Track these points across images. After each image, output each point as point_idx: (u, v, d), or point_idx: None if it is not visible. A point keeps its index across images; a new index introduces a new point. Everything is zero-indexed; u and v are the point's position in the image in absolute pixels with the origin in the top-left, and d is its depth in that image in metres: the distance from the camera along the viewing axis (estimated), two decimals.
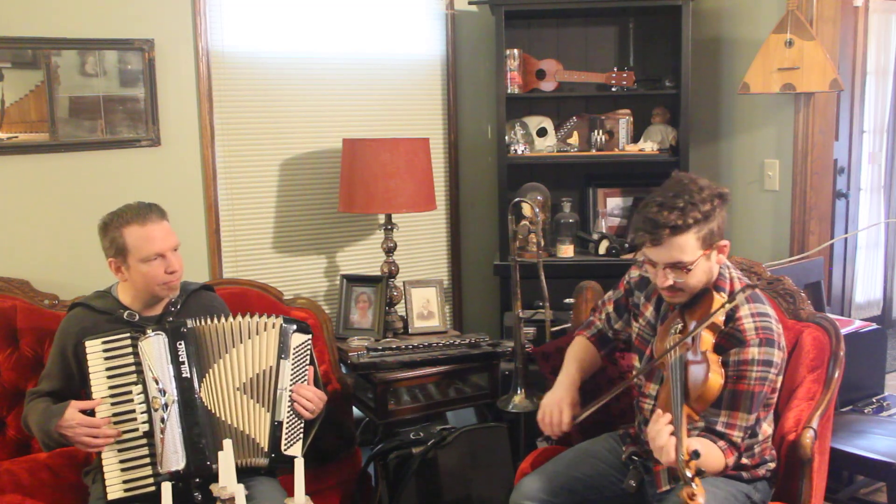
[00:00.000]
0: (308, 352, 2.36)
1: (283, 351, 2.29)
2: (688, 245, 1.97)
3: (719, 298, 2.02)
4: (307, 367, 2.36)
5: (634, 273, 2.33)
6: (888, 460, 2.63)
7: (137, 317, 2.33)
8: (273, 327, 2.30)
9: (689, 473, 1.72)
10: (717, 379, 1.93)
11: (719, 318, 1.99)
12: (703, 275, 2.04)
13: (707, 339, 1.99)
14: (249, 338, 2.28)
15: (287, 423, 2.27)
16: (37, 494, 2.42)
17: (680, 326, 2.07)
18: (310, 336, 2.37)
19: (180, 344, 2.21)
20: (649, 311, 2.24)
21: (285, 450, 2.25)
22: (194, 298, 2.46)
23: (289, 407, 2.28)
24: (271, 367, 2.28)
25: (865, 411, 3.03)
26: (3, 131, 2.88)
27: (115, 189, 3.04)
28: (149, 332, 2.20)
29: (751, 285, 2.03)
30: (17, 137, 2.90)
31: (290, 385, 2.29)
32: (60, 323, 2.37)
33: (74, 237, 2.98)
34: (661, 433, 1.81)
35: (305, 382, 2.34)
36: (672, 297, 2.09)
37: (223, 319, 2.29)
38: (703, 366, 1.93)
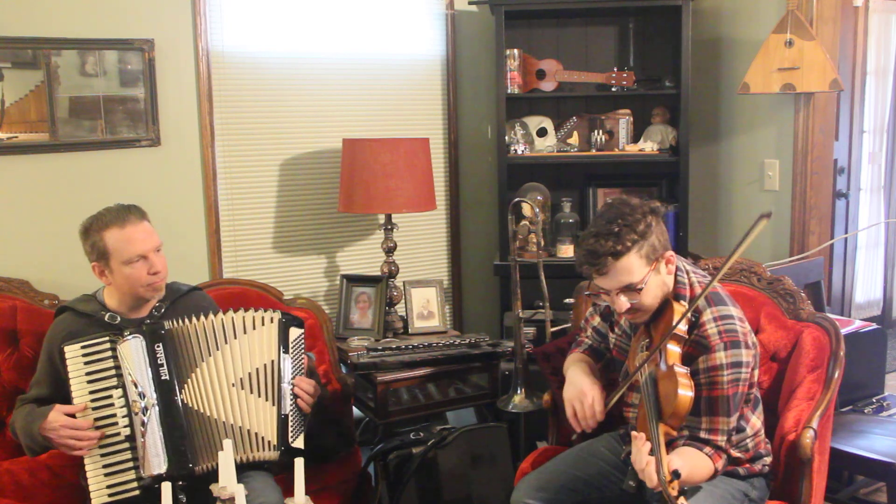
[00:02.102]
0: (303, 344, 2.37)
1: (284, 345, 2.29)
2: (633, 266, 1.98)
3: (679, 307, 2.03)
4: (303, 359, 2.37)
5: None
6: (888, 460, 2.63)
7: (119, 319, 2.32)
8: (272, 321, 2.29)
9: (672, 493, 1.74)
10: (686, 393, 1.92)
11: (681, 328, 1.99)
12: (658, 289, 2.04)
13: (673, 351, 1.99)
14: (245, 333, 2.27)
15: (292, 416, 2.27)
16: (36, 494, 2.42)
17: (647, 342, 2.08)
18: (304, 330, 2.38)
19: (158, 346, 2.19)
20: (623, 321, 2.25)
21: (292, 442, 2.26)
22: (182, 301, 2.44)
23: (292, 400, 2.28)
24: (273, 361, 2.27)
25: (865, 411, 3.03)
26: (3, 131, 2.88)
27: (115, 189, 3.04)
28: (126, 335, 2.18)
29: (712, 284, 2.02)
30: (17, 137, 2.90)
31: (291, 378, 2.29)
32: (48, 329, 2.36)
33: (74, 237, 2.94)
34: (640, 455, 1.82)
35: (303, 374, 2.34)
36: (634, 319, 2.10)
37: (209, 317, 2.27)
38: (674, 381, 1.93)
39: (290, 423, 2.27)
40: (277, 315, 2.31)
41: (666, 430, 1.91)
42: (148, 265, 2.28)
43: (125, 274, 2.26)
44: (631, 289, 2.00)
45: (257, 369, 2.26)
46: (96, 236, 2.26)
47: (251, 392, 2.25)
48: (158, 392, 2.17)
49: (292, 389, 2.28)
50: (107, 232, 2.25)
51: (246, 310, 2.31)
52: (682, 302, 2.05)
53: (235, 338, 2.27)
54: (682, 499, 1.74)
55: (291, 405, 2.28)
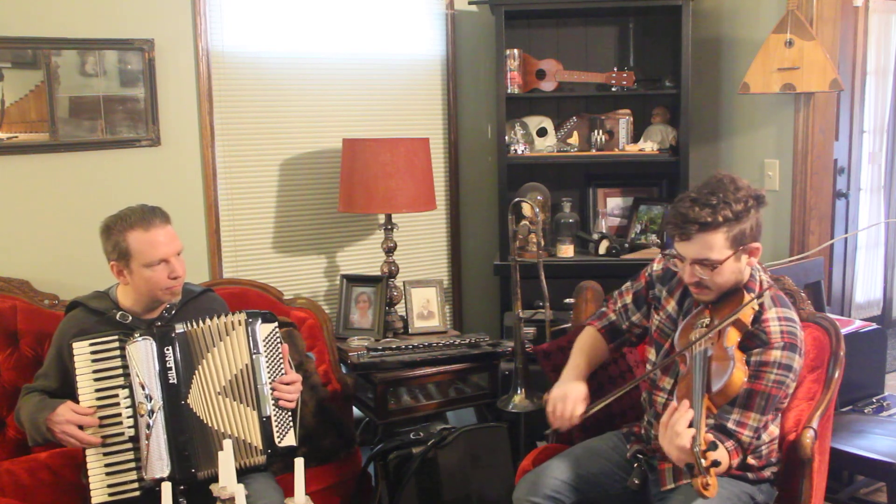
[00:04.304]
0: (277, 339, 2.33)
1: (254, 346, 2.27)
2: (716, 243, 1.97)
3: (749, 298, 2.03)
4: (280, 354, 2.33)
5: (657, 266, 2.32)
6: (888, 460, 2.63)
7: (130, 318, 2.31)
8: (240, 324, 2.27)
9: (704, 463, 1.73)
10: (740, 376, 1.93)
11: (747, 316, 2.00)
12: (732, 275, 2.04)
13: (733, 336, 1.99)
14: (221, 339, 2.26)
15: (275, 416, 2.26)
16: (36, 494, 2.42)
17: (707, 321, 2.06)
18: (275, 323, 2.34)
19: (168, 349, 2.18)
20: (671, 305, 2.23)
21: (280, 442, 2.25)
22: (193, 303, 2.44)
23: (272, 400, 2.26)
24: (247, 364, 2.26)
25: (865, 411, 3.03)
26: (3, 131, 2.88)
27: (116, 189, 3.05)
28: (137, 336, 2.17)
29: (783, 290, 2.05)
30: (17, 137, 2.90)
31: (269, 378, 2.27)
32: (59, 324, 2.36)
33: (74, 237, 2.98)
34: (682, 419, 1.82)
35: (282, 368, 2.32)
36: (699, 294, 2.09)
37: (194, 325, 2.25)
38: (729, 362, 1.93)
39: (275, 424, 2.25)
40: (242, 316, 2.28)
41: (708, 406, 1.91)
42: (169, 269, 2.27)
43: (145, 276, 2.25)
44: (706, 264, 2.00)
45: (235, 375, 2.25)
46: (119, 236, 2.24)
47: (234, 399, 2.24)
48: (165, 396, 2.17)
49: (272, 392, 2.27)
50: (130, 233, 2.23)
51: (219, 316, 2.28)
52: (751, 295, 2.05)
53: (214, 345, 2.25)
54: (712, 470, 1.73)
55: (273, 405, 2.26)
